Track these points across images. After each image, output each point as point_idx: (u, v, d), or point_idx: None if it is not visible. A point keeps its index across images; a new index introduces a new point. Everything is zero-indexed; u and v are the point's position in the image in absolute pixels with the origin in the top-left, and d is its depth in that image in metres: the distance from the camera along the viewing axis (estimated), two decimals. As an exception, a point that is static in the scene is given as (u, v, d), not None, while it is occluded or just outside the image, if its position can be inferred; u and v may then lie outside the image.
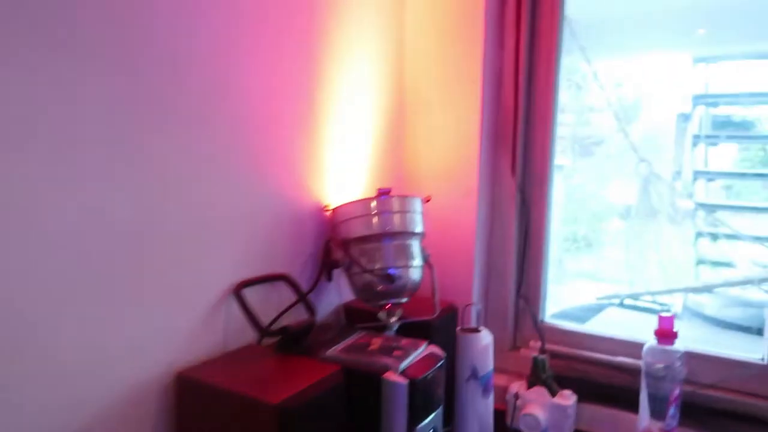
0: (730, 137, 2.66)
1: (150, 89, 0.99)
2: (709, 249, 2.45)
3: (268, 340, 1.24)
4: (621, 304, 2.65)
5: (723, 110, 2.61)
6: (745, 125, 2.61)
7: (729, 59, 2.65)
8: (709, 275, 2.52)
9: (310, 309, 1.36)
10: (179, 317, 1.13)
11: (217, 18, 1.12)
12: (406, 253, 1.42)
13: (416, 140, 1.78)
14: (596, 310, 2.55)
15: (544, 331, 1.74)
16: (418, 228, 1.45)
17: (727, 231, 2.39)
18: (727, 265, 2.41)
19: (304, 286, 1.41)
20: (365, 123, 1.64)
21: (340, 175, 1.56)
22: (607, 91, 2.70)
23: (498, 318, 1.79)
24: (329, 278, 1.48)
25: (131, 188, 0.99)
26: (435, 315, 1.47)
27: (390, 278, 1.39)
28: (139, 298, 1.03)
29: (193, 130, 1.12)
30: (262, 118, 1.31)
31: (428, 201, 1.52)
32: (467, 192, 1.69)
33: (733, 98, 2.65)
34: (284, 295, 1.37)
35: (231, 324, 1.25)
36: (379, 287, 1.40)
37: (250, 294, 1.26)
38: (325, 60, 1.47)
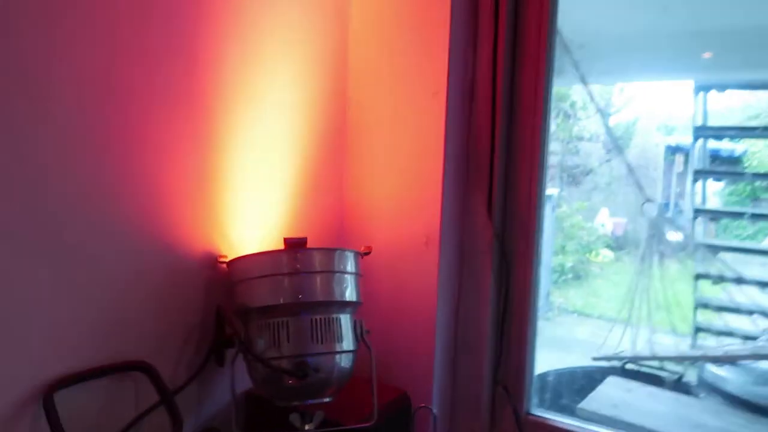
0: (727, 173, 2.42)
1: None
2: (711, 292, 2.20)
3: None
4: (623, 370, 2.25)
5: (718, 144, 2.40)
6: (732, 161, 2.42)
7: (734, 87, 2.41)
8: (712, 319, 2.27)
9: (174, 416, 0.90)
10: None
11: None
12: (330, 333, 0.97)
13: (360, 170, 1.35)
14: (593, 376, 2.14)
15: (528, 428, 1.29)
16: (350, 295, 1.01)
17: (732, 274, 2.11)
18: (735, 310, 2.14)
19: (184, 372, 0.96)
20: (287, 148, 1.21)
21: (247, 216, 1.12)
22: (601, 117, 2.42)
23: (468, 409, 1.34)
24: (220, 362, 1.02)
25: None
26: (372, 421, 1.01)
27: (304, 370, 0.93)
28: None
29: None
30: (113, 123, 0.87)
31: (368, 253, 1.08)
32: (426, 239, 1.25)
33: (738, 131, 2.41)
34: (148, 390, 0.91)
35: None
36: (289, 381, 0.95)
37: (83, 396, 0.81)
38: (225, 64, 1.05)
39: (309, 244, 1.00)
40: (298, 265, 0.95)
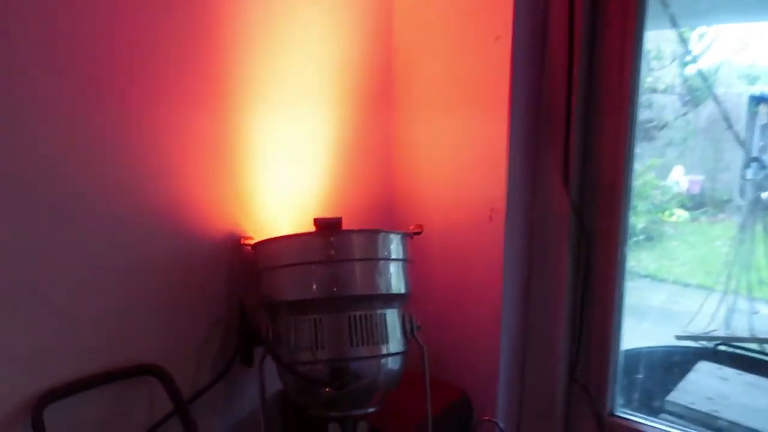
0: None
1: None
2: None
3: None
4: (714, 353, 1.99)
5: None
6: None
7: None
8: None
9: (188, 427, 0.77)
10: None
11: None
12: (373, 332, 0.81)
13: (408, 133, 1.15)
14: (678, 359, 1.89)
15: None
16: (397, 286, 0.84)
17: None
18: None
19: (207, 373, 0.83)
20: (322, 109, 1.03)
21: (276, 191, 0.96)
22: (679, 66, 2.11)
23: (539, 411, 1.15)
24: (247, 361, 0.88)
25: None
26: (426, 434, 0.85)
27: (341, 379, 0.78)
28: None
29: None
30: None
31: (418, 233, 0.90)
32: (490, 213, 1.05)
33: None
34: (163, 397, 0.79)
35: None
36: (326, 390, 0.79)
37: (86, 407, 0.71)
38: (247, 6, 0.87)
39: (348, 225, 0.83)
40: (332, 252, 0.78)
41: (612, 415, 1.14)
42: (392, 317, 0.83)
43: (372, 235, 0.82)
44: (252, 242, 0.88)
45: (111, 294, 0.76)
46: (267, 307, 0.85)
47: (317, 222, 0.78)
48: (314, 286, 0.79)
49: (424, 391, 0.88)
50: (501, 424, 1.06)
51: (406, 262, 0.87)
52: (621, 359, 1.14)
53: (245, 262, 0.91)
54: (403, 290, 0.84)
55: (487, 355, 1.08)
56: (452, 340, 1.10)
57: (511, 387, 1.12)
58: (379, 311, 0.81)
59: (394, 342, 0.83)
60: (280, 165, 0.96)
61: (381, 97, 1.14)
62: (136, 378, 0.79)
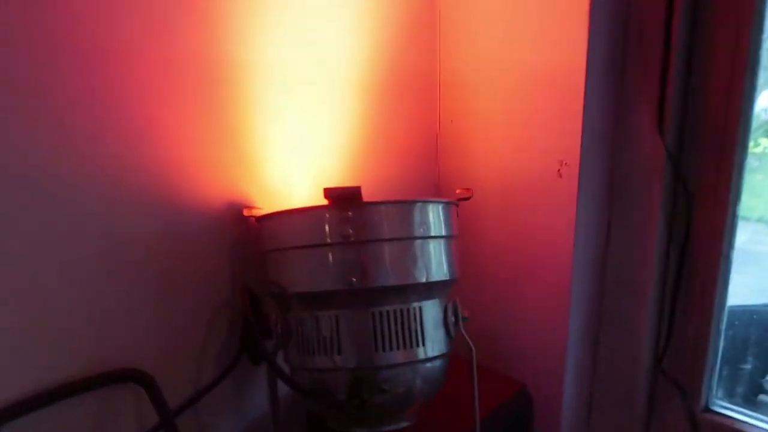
0: None
1: None
2: None
3: None
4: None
5: None
6: None
7: None
8: None
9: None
10: None
11: None
12: (407, 332, 0.62)
13: (454, 66, 0.93)
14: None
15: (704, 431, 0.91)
16: (438, 271, 0.64)
17: None
18: None
19: (210, 371, 0.68)
20: (349, 41, 0.81)
21: (289, 149, 0.77)
22: None
23: (615, 405, 0.96)
24: (256, 359, 0.72)
25: None
26: (476, 452, 0.68)
27: (360, 395, 0.60)
28: None
29: None
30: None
31: (467, 198, 0.70)
32: (560, 167, 0.83)
33: None
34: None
35: None
36: (349, 401, 0.62)
37: (50, 426, 0.55)
38: None
39: (375, 194, 0.63)
40: (350, 230, 0.59)
41: (707, 410, 0.93)
42: (432, 311, 0.65)
43: (404, 206, 0.62)
44: (257, 213, 0.70)
45: (84, 280, 0.60)
46: (275, 297, 0.67)
47: (328, 193, 0.59)
48: (328, 276, 0.61)
49: (472, 400, 0.70)
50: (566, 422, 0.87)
51: (451, 238, 0.67)
52: (721, 342, 0.92)
53: (251, 237, 0.74)
54: (446, 275, 0.65)
55: (551, 342, 0.88)
56: (507, 325, 0.91)
57: (579, 378, 0.93)
58: (414, 305, 0.63)
59: (435, 342, 0.64)
60: (294, 114, 0.77)
61: (421, 16, 0.91)
62: (114, 387, 0.64)
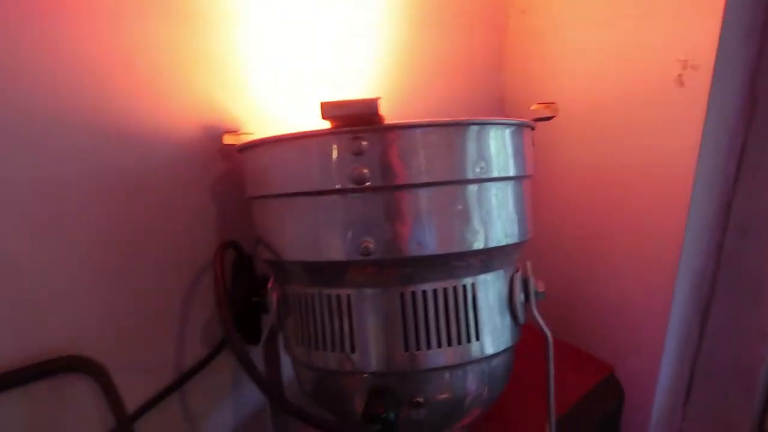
0: None
1: None
2: None
3: None
4: None
5: None
6: None
7: None
8: None
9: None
10: None
11: None
12: (454, 322, 0.41)
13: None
14: None
15: None
16: (505, 231, 0.42)
17: None
18: None
19: (198, 350, 0.51)
20: None
21: (287, 58, 0.55)
22: None
23: (726, 388, 0.74)
24: (253, 339, 0.53)
25: None
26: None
27: (378, 415, 0.41)
28: None
29: None
30: None
31: (548, 118, 0.46)
32: (681, 70, 0.58)
33: None
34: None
35: None
36: (366, 419, 0.43)
37: None
38: None
39: (410, 115, 0.41)
40: (365, 171, 0.38)
41: None
42: (494, 288, 0.44)
43: (451, 131, 0.39)
44: (238, 140, 0.49)
45: (17, 235, 0.42)
46: (271, 264, 0.48)
47: (329, 110, 0.37)
48: (333, 240, 0.40)
49: (547, 398, 0.50)
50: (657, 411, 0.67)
51: (522, 179, 0.44)
52: None
53: (235, 175, 0.53)
54: (516, 237, 0.43)
55: (648, 308, 0.66)
56: (589, 289, 0.69)
57: (680, 355, 0.71)
58: (466, 281, 0.42)
59: (496, 333, 0.44)
60: (292, 15, 0.54)
61: None
62: (58, 379, 0.47)
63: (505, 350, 0.45)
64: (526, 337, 0.49)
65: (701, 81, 0.56)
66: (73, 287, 0.46)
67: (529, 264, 0.47)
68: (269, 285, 0.47)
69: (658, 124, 0.60)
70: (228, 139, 0.50)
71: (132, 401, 0.50)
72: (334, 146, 0.38)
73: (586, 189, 0.69)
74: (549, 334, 0.47)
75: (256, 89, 0.54)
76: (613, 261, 0.69)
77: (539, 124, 0.47)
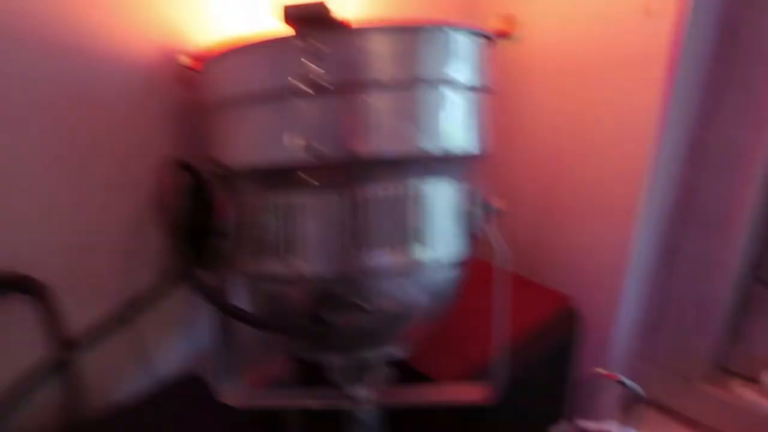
0: None
1: None
2: None
3: None
4: None
5: None
6: None
7: None
8: None
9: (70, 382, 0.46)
10: None
11: None
12: (402, 224, 0.42)
13: None
14: None
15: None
16: (458, 138, 0.42)
17: None
18: None
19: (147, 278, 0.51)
20: None
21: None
22: None
23: (691, 326, 0.76)
24: (204, 261, 0.52)
25: None
26: (490, 395, 0.50)
27: (320, 318, 0.42)
28: None
29: None
30: None
31: (506, 36, 0.46)
32: (646, 3, 0.57)
33: None
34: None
35: None
36: (309, 325, 0.44)
37: None
38: None
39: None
40: (321, 71, 0.37)
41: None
42: (444, 196, 0.44)
43: (407, 34, 0.39)
44: (193, 60, 0.48)
45: None
46: (219, 177, 0.48)
47: (288, 12, 0.36)
48: (283, 143, 0.40)
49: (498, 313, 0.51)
50: (628, 382, 0.68)
51: (481, 92, 0.44)
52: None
53: (191, 96, 0.52)
54: (470, 147, 0.44)
55: (611, 243, 0.67)
56: (554, 221, 0.70)
57: (644, 292, 0.73)
58: (415, 184, 0.42)
59: (444, 240, 0.44)
60: None
61: None
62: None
63: (453, 263, 0.46)
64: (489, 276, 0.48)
65: (669, 11, 0.56)
66: (16, 202, 0.45)
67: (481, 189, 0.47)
68: (224, 206, 0.47)
69: (626, 56, 0.60)
70: (184, 60, 0.49)
71: (79, 327, 0.49)
72: (291, 48, 0.38)
73: (552, 119, 0.69)
74: (500, 248, 0.47)
75: (212, 9, 0.53)
76: (579, 198, 0.69)
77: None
